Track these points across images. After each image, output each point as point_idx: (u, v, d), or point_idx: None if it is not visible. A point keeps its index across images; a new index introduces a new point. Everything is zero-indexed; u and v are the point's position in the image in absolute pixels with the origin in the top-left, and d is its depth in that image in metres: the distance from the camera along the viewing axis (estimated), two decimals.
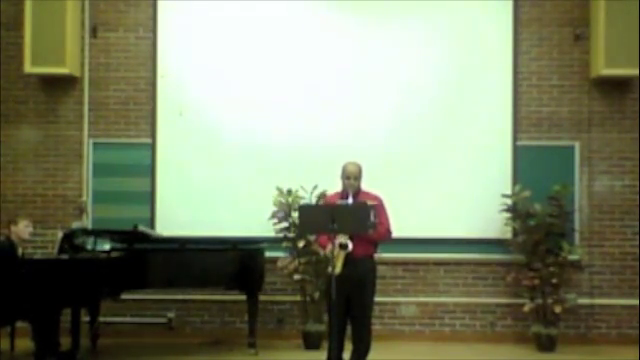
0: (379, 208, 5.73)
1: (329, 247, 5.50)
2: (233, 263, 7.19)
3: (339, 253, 5.45)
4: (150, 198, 8.18)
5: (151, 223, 8.06)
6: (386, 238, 5.87)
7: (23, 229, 6.84)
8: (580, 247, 7.94)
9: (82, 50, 8.27)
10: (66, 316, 6.68)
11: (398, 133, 8.16)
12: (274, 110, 8.18)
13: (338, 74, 8.20)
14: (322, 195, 7.37)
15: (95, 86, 8.29)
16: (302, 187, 7.66)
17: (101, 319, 7.57)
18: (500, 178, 8.07)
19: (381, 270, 7.96)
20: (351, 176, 5.72)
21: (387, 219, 5.82)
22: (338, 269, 5.42)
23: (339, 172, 5.81)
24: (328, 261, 5.59)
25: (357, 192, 5.74)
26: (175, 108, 8.23)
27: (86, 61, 8.28)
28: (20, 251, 6.82)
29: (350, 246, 5.50)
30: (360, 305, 5.68)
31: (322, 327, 7.45)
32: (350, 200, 5.65)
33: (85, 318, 7.37)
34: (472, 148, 8.15)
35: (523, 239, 7.79)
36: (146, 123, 8.26)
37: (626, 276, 8.09)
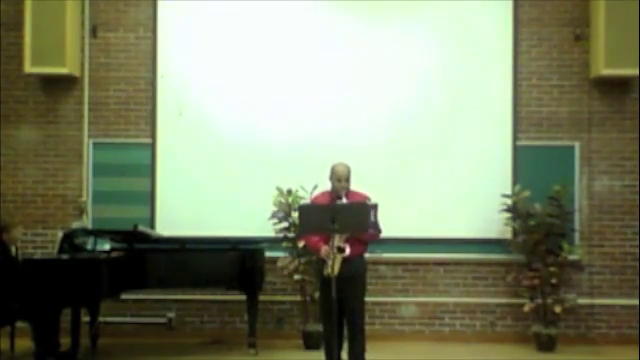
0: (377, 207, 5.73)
1: (325, 248, 5.52)
2: (233, 263, 7.19)
3: (336, 256, 5.46)
4: (150, 198, 8.18)
5: (151, 223, 8.06)
6: (376, 238, 5.88)
7: (18, 235, 6.79)
8: (580, 247, 7.94)
9: (82, 50, 8.27)
10: (66, 316, 6.68)
11: (398, 133, 8.16)
12: (274, 110, 8.18)
13: (338, 74, 8.20)
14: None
15: (95, 86, 8.29)
16: (302, 187, 7.65)
17: (101, 319, 7.57)
18: (500, 178, 8.07)
19: (381, 270, 8.06)
20: (342, 178, 5.73)
21: (377, 218, 5.82)
22: (335, 272, 5.43)
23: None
24: (323, 263, 5.60)
25: (346, 192, 5.75)
26: (175, 108, 8.23)
27: (86, 61, 8.28)
28: (13, 249, 6.78)
29: (348, 250, 5.52)
30: (351, 303, 5.69)
31: (322, 327, 7.42)
32: (344, 200, 5.66)
33: (85, 318, 7.37)
34: (472, 148, 8.14)
35: (523, 239, 7.79)
36: (146, 123, 8.26)
37: (626, 276, 8.09)
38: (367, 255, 5.94)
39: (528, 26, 8.23)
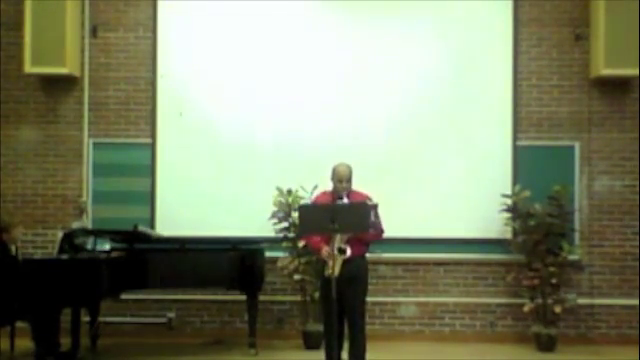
0: (377, 207, 5.73)
1: (326, 249, 5.52)
2: (233, 263, 7.18)
3: (337, 257, 5.46)
4: (150, 198, 8.18)
5: (151, 223, 8.06)
6: (380, 238, 5.87)
7: (18, 235, 6.78)
8: (580, 247, 7.95)
9: (82, 50, 8.27)
10: (66, 316, 6.68)
11: (398, 133, 8.16)
12: (274, 110, 8.18)
13: (338, 74, 8.20)
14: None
15: (95, 86, 8.29)
16: (302, 187, 7.65)
17: (101, 319, 7.57)
18: (500, 178, 8.06)
19: (381, 270, 8.06)
20: (343, 179, 5.72)
21: (379, 218, 5.82)
22: (336, 272, 5.43)
23: None
24: (324, 263, 5.60)
25: (348, 192, 5.74)
26: (175, 108, 8.23)
27: (86, 61, 8.28)
28: (13, 248, 6.77)
29: (349, 252, 5.51)
30: (352, 304, 5.69)
31: (322, 327, 7.42)
32: (345, 200, 5.66)
33: (85, 318, 7.37)
34: (472, 148, 8.14)
35: (523, 239, 7.79)
36: (146, 123, 8.26)
37: (626, 276, 8.08)
38: (367, 255, 5.93)
39: (528, 26, 8.22)
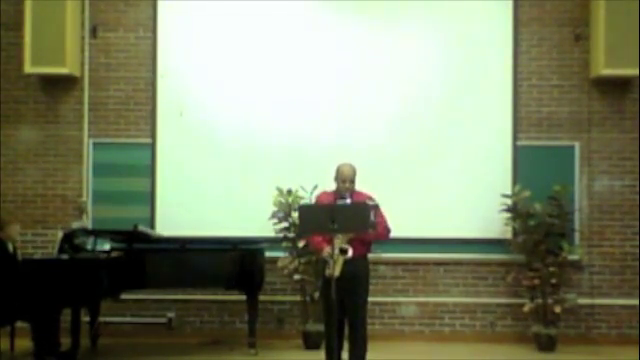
0: (377, 207, 5.73)
1: (327, 249, 5.51)
2: (233, 263, 7.19)
3: (338, 257, 5.45)
4: (150, 198, 8.18)
5: (151, 223, 8.06)
6: (385, 237, 5.87)
7: (13, 233, 6.79)
8: (580, 247, 7.95)
9: (82, 50, 8.27)
10: (66, 316, 6.68)
11: (398, 133, 8.16)
12: (274, 110, 8.18)
13: (338, 74, 8.20)
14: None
15: (95, 86, 8.29)
16: (302, 187, 7.65)
17: (101, 319, 7.58)
18: (500, 178, 8.07)
19: (381, 270, 8.05)
20: (347, 179, 5.71)
21: (384, 218, 5.81)
22: (337, 273, 5.42)
23: None
24: (325, 263, 5.59)
25: (351, 192, 5.74)
26: (175, 108, 8.23)
27: (86, 61, 8.28)
28: (11, 247, 6.77)
29: (350, 252, 5.49)
30: (353, 304, 5.68)
31: (322, 327, 7.40)
32: (348, 200, 5.66)
33: (85, 318, 7.37)
34: (472, 148, 8.14)
35: (523, 239, 7.79)
36: (146, 123, 8.26)
37: (626, 276, 8.09)
38: (368, 255, 5.92)
39: (528, 26, 8.23)
